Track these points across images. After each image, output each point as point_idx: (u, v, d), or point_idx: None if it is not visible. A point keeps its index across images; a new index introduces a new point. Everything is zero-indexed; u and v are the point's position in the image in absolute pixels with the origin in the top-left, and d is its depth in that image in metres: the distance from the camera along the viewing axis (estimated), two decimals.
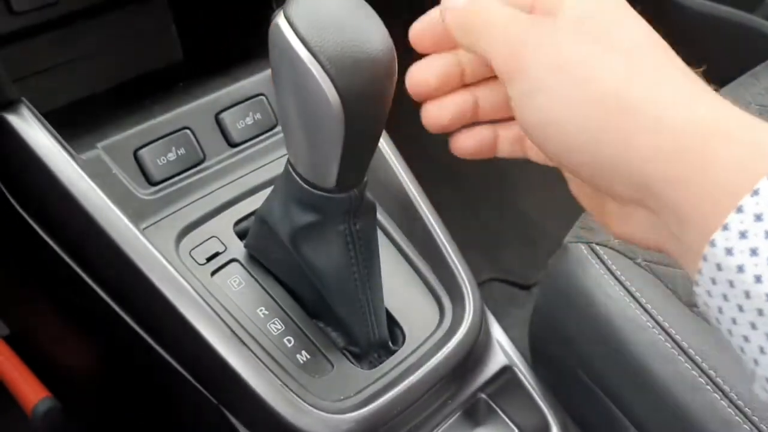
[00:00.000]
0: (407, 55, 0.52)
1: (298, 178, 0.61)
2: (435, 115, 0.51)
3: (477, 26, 0.45)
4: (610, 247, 0.80)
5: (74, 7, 0.84)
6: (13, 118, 0.67)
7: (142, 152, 0.73)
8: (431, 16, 0.49)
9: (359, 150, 0.58)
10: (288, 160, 0.62)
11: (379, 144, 0.81)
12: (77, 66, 0.89)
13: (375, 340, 0.70)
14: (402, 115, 2.02)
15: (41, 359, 0.94)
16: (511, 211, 1.71)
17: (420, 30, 0.50)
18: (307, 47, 0.51)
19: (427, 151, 1.82)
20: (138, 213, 0.71)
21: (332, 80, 0.51)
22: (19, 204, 0.73)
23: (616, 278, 0.76)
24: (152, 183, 0.73)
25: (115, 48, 0.92)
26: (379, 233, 0.76)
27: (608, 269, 0.77)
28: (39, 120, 0.68)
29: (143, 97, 0.81)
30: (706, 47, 1.47)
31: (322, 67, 0.51)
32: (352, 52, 0.51)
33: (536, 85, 0.41)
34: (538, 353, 0.88)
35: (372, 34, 0.53)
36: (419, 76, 0.50)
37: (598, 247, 0.80)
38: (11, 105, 0.67)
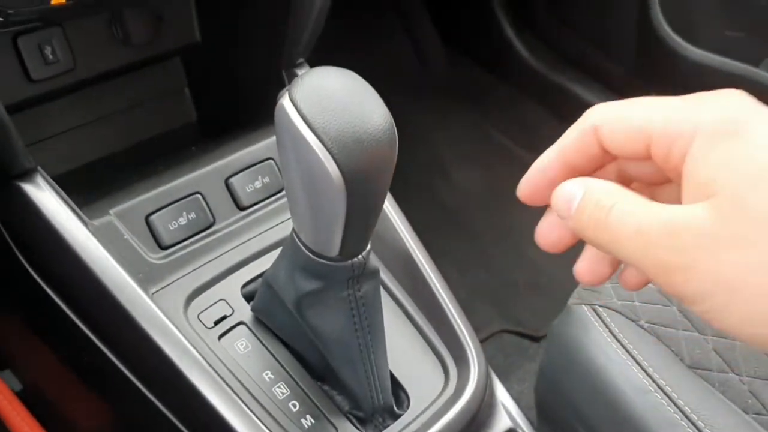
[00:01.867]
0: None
1: (302, 247, 0.62)
2: (552, 243, 0.46)
3: (608, 238, 0.38)
4: (613, 309, 0.80)
5: (90, 74, 0.87)
6: (27, 187, 0.69)
7: (154, 218, 0.75)
8: (549, 220, 0.45)
9: (361, 222, 0.59)
10: (293, 229, 0.63)
11: (384, 206, 0.83)
12: (91, 128, 0.92)
13: (379, 404, 0.70)
14: (412, 164, 2.06)
15: (52, 415, 0.95)
16: (523, 260, 1.71)
17: (544, 231, 0.45)
18: (311, 128, 0.53)
19: (437, 200, 1.85)
20: (148, 277, 0.72)
21: (335, 159, 0.53)
22: (32, 267, 0.75)
23: (618, 340, 0.77)
24: (163, 247, 0.75)
25: (130, 110, 0.95)
26: (384, 294, 0.77)
27: (610, 331, 0.78)
28: (53, 188, 0.70)
29: (156, 159, 0.84)
30: None
31: (325, 147, 0.53)
32: (353, 132, 0.53)
33: (723, 299, 0.35)
34: (543, 412, 0.88)
35: (373, 114, 0.55)
36: (548, 240, 0.46)
37: (600, 309, 0.80)
38: (27, 174, 0.70)
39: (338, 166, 0.53)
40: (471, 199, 1.86)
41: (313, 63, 0.90)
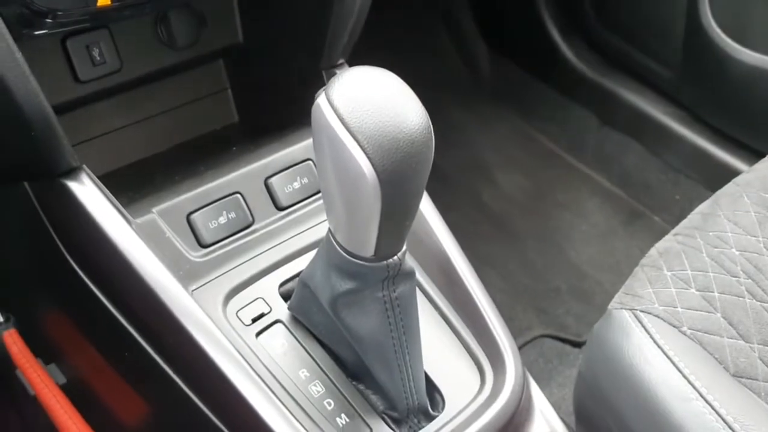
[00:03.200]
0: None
1: (338, 247, 0.63)
2: None
3: None
4: (655, 315, 0.79)
5: (136, 75, 0.89)
6: (73, 185, 0.71)
7: (195, 216, 0.76)
8: None
9: (396, 222, 0.59)
10: (329, 229, 0.64)
11: (421, 207, 0.83)
12: (136, 128, 0.94)
13: (414, 405, 0.70)
14: (455, 166, 2.06)
15: (94, 408, 0.97)
16: (565, 265, 1.69)
17: None
18: (347, 127, 0.53)
19: (479, 203, 1.84)
20: (189, 275, 0.73)
21: (370, 159, 0.53)
22: (77, 263, 0.77)
23: (659, 347, 0.75)
24: (203, 245, 0.76)
25: (173, 111, 0.97)
26: (420, 296, 0.77)
27: (651, 337, 0.76)
28: (98, 186, 0.72)
29: (197, 159, 0.85)
30: (765, 103, 1.45)
31: (360, 146, 0.53)
32: (389, 132, 0.53)
33: None
34: (582, 417, 0.86)
35: (409, 113, 0.55)
36: None
37: (642, 314, 0.79)
38: (72, 172, 0.71)
39: (373, 165, 0.53)
40: (514, 202, 1.84)
41: (356, 63, 0.90)
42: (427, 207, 0.85)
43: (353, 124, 0.53)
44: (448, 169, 1.91)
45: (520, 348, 1.56)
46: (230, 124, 1.01)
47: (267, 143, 0.86)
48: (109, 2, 0.64)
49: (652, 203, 1.79)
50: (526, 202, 1.84)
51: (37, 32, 0.63)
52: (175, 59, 0.92)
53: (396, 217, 0.58)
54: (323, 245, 0.66)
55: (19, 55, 0.61)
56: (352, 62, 0.90)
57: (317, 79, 0.89)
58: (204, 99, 1.00)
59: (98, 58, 0.83)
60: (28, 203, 0.76)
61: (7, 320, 0.99)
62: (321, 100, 0.55)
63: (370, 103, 0.54)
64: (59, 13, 0.63)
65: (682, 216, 0.95)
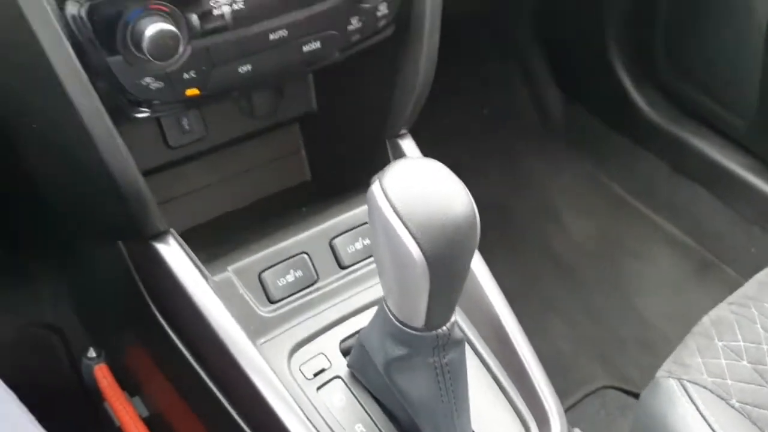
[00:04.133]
0: None
1: (390, 316, 0.68)
2: None
3: None
4: (702, 386, 0.80)
5: (219, 141, 0.98)
6: (161, 247, 0.79)
7: (266, 275, 0.83)
8: None
9: (444, 298, 0.65)
10: (383, 298, 0.69)
11: (474, 269, 0.88)
12: (216, 187, 1.02)
13: None
14: (523, 209, 2.07)
15: None
16: (632, 315, 1.69)
17: None
18: (398, 215, 0.59)
19: (546, 247, 1.86)
20: (257, 329, 0.81)
21: (419, 245, 0.59)
22: (159, 311, 0.85)
23: (705, 418, 0.77)
24: (272, 301, 0.83)
25: (251, 171, 1.05)
26: (470, 356, 0.81)
27: (697, 409, 0.78)
28: (182, 247, 0.80)
29: (270, 218, 0.93)
30: None
31: (410, 233, 0.59)
32: (437, 220, 0.59)
33: None
34: None
35: (455, 203, 0.60)
36: None
37: (689, 385, 0.81)
38: (160, 235, 0.80)
39: (422, 250, 0.59)
40: (581, 247, 1.85)
41: (431, 107, 0.96)
42: (480, 269, 0.89)
43: (404, 212, 0.59)
44: (516, 211, 1.94)
45: (582, 398, 1.56)
46: (303, 182, 1.09)
47: (333, 204, 0.92)
48: (197, 92, 0.72)
49: (725, 254, 1.77)
50: (594, 248, 1.85)
51: (134, 116, 0.72)
52: (255, 126, 1.00)
53: (443, 293, 0.64)
54: (379, 312, 0.71)
55: (119, 139, 0.70)
56: (429, 106, 0.95)
57: (381, 147, 0.95)
58: (280, 159, 1.08)
59: (187, 127, 0.92)
60: (122, 259, 0.86)
61: (99, 355, 1.09)
62: (375, 187, 0.61)
63: (419, 193, 0.59)
64: (154, 102, 0.71)
65: (757, 268, 0.96)
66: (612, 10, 1.89)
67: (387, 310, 0.68)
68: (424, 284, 0.61)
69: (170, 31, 0.65)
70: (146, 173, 0.78)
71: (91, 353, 1.08)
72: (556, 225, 1.89)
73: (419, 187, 0.60)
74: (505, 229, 1.94)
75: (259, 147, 1.05)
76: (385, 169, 0.62)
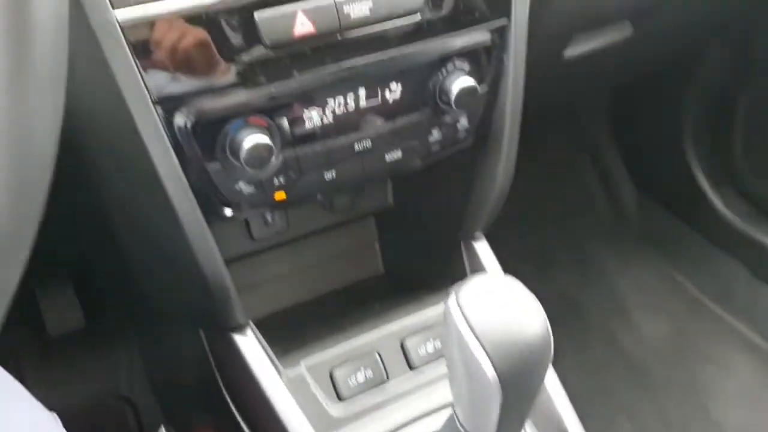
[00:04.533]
0: None
1: (459, 425, 0.68)
2: None
3: None
4: None
5: (299, 233, 1.02)
6: (239, 339, 0.83)
7: (337, 373, 0.85)
8: None
9: (515, 413, 0.65)
10: (453, 409, 0.70)
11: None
12: (291, 277, 1.06)
13: None
14: (593, 307, 2.03)
15: None
16: (707, 424, 1.62)
17: None
18: (473, 332, 0.60)
19: (617, 347, 1.81)
20: (326, 427, 0.82)
21: (492, 362, 0.60)
22: (230, 398, 0.88)
23: None
24: (341, 399, 0.85)
25: (326, 261, 1.09)
26: None
27: None
28: (259, 341, 0.83)
29: (343, 313, 0.95)
30: None
31: (484, 350, 0.60)
32: (512, 339, 0.60)
33: None
34: None
35: (530, 323, 0.61)
36: None
37: None
38: (240, 327, 0.83)
39: (495, 368, 0.60)
40: (653, 349, 1.80)
41: (505, 203, 0.98)
42: (550, 376, 0.89)
43: (479, 329, 0.60)
44: (585, 307, 1.92)
45: None
46: (376, 276, 1.11)
47: (405, 302, 0.94)
48: (284, 196, 0.76)
49: None
50: (666, 351, 1.79)
51: (224, 216, 0.77)
52: (333, 219, 1.04)
53: (514, 408, 0.64)
54: (448, 422, 0.72)
55: (210, 236, 0.75)
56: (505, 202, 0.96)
57: (455, 248, 0.97)
58: (354, 251, 1.11)
59: (270, 221, 0.97)
60: (200, 344, 0.89)
61: None
62: (452, 302, 0.63)
63: (495, 312, 0.61)
64: (244, 205, 0.76)
65: None
66: (689, 109, 1.89)
67: (456, 419, 0.69)
68: (496, 400, 0.62)
69: (266, 145, 0.69)
70: (226, 262, 0.82)
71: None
72: (627, 323, 1.85)
73: (495, 306, 0.61)
74: (573, 323, 1.91)
75: (335, 238, 1.08)
76: (461, 283, 0.63)
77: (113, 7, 0.62)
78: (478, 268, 0.95)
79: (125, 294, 1.29)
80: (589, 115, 2.09)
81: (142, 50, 0.64)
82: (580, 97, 1.94)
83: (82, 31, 0.62)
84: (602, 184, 2.13)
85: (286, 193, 0.76)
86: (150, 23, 0.64)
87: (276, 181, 0.75)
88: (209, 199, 0.74)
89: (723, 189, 1.90)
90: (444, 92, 0.79)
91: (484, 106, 0.84)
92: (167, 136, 0.68)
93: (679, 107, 1.90)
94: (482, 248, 0.96)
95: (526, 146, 0.94)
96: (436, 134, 0.83)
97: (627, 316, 1.87)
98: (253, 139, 0.69)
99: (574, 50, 1.13)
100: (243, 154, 0.69)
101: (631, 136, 2.08)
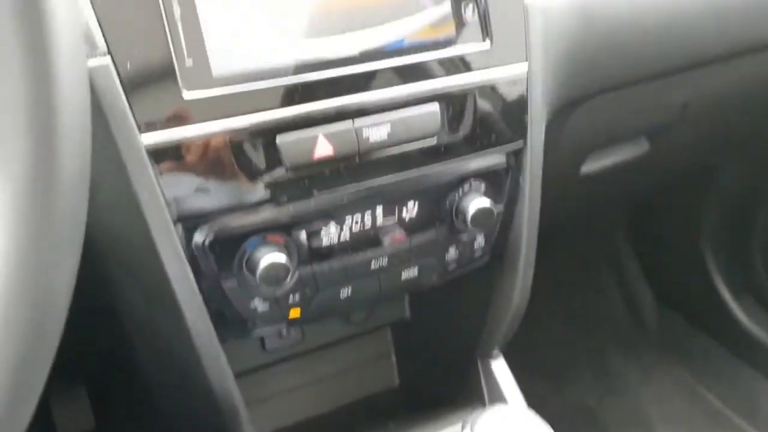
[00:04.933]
0: None
1: None
2: None
3: None
4: None
5: (314, 345, 1.01)
6: None
7: None
8: None
9: None
10: None
11: None
12: (303, 389, 1.04)
13: None
14: (613, 419, 1.97)
15: None
16: None
17: None
18: None
19: None
20: None
21: None
22: None
23: None
24: None
25: (340, 374, 1.07)
26: None
27: None
28: None
29: (354, 427, 0.93)
30: None
31: None
32: None
33: None
34: None
35: None
36: None
37: None
38: None
39: None
40: None
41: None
42: None
43: None
44: (605, 417, 1.86)
45: None
46: (391, 389, 1.09)
47: (419, 421, 0.92)
48: (299, 314, 0.76)
49: None
50: None
51: (238, 333, 0.76)
52: (348, 331, 1.03)
53: None
54: None
55: (221, 352, 0.74)
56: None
57: (472, 365, 0.96)
58: (369, 363, 1.09)
59: (285, 333, 0.96)
60: None
61: None
62: None
63: None
64: (258, 322, 0.76)
65: None
66: (708, 216, 1.89)
67: None
68: None
69: (282, 264, 0.70)
70: (238, 375, 0.81)
71: None
72: None
73: None
74: None
75: (350, 350, 1.07)
76: (476, 415, 0.62)
77: (140, 132, 0.64)
78: (494, 389, 0.93)
79: (134, 398, 1.27)
80: (607, 223, 2.10)
81: (166, 172, 0.66)
82: (597, 209, 1.95)
83: (107, 153, 0.64)
84: (621, 291, 2.10)
85: (301, 310, 0.76)
86: (175, 147, 0.65)
87: (291, 299, 0.75)
88: (223, 316, 0.74)
89: (744, 299, 1.88)
90: (460, 212, 0.79)
91: (500, 225, 0.85)
92: (184, 253, 0.69)
93: (698, 216, 1.90)
94: (499, 368, 0.94)
95: (542, 255, 0.94)
96: (452, 252, 0.83)
97: (648, 428, 1.81)
98: (270, 258, 0.69)
99: (590, 166, 1.15)
100: (259, 272, 0.69)
101: (649, 243, 2.08)
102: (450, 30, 0.75)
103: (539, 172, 0.86)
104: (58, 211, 0.36)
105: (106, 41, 0.62)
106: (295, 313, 0.76)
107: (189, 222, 0.68)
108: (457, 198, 0.80)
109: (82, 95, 0.40)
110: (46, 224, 0.35)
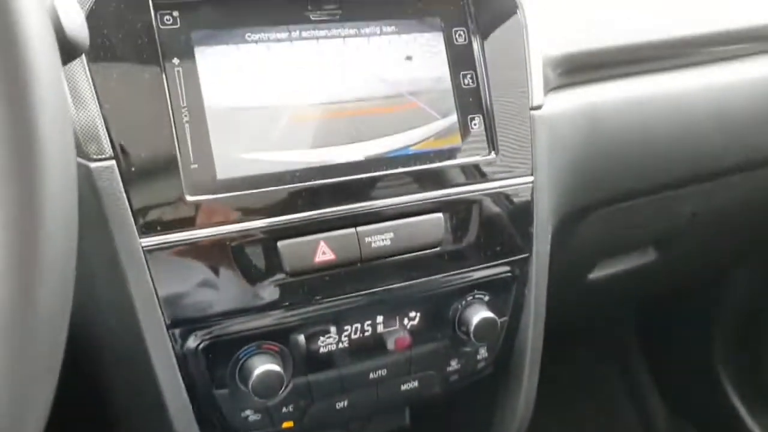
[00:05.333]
0: None
1: None
2: None
3: None
4: None
5: None
6: None
7: None
8: None
9: None
10: None
11: None
12: None
13: None
14: None
15: None
16: None
17: None
18: None
19: None
20: None
21: None
22: None
23: None
24: None
25: None
26: None
27: None
28: None
29: None
30: None
31: None
32: None
33: None
34: None
35: None
36: None
37: None
38: None
39: None
40: None
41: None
42: None
43: None
44: None
45: None
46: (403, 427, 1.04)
47: None
48: (292, 425, 0.73)
49: None
50: None
51: None
52: None
53: None
54: None
55: None
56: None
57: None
58: None
59: None
60: None
61: None
62: None
63: None
64: None
65: None
66: (719, 324, 1.85)
67: None
68: None
69: (277, 373, 0.67)
70: None
71: None
72: None
73: None
74: None
75: None
76: None
77: (140, 234, 0.63)
78: None
79: None
80: (616, 327, 2.06)
81: (163, 275, 0.65)
82: (605, 313, 1.92)
83: (104, 253, 0.63)
84: (630, 398, 2.04)
85: (294, 422, 0.73)
86: (174, 250, 0.65)
87: (285, 410, 0.72)
88: (212, 424, 0.71)
89: (757, 409, 1.81)
90: (463, 323, 0.77)
91: (504, 336, 0.83)
92: (176, 358, 0.67)
93: (708, 322, 1.86)
94: None
95: (549, 361, 0.92)
96: (454, 364, 0.80)
97: None
98: (264, 367, 0.67)
99: (598, 273, 1.13)
100: (252, 381, 0.67)
101: (659, 348, 2.03)
102: (456, 140, 0.75)
103: (545, 282, 0.84)
104: (34, 347, 0.34)
105: (111, 143, 0.62)
106: (288, 425, 0.73)
107: (183, 326, 0.67)
108: (460, 308, 0.78)
109: (70, 230, 0.37)
110: (20, 361, 0.33)
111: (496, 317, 0.78)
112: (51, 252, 0.33)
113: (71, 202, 0.35)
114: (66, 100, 0.36)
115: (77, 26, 0.45)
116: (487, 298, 0.79)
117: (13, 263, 0.31)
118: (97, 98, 0.62)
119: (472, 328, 0.76)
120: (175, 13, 0.65)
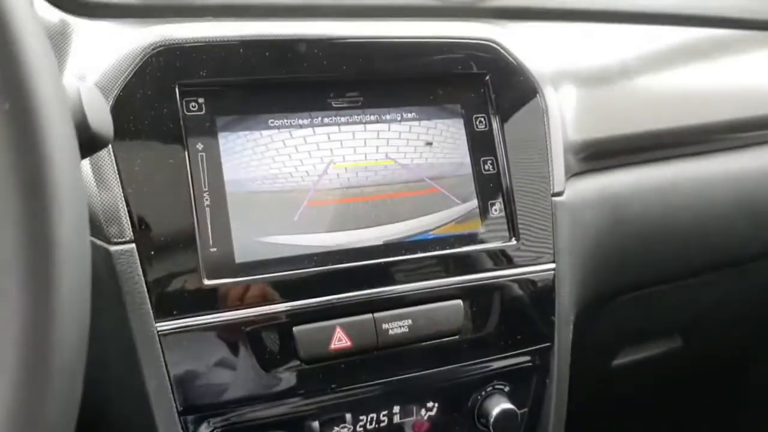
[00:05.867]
0: None
1: None
2: None
3: None
4: None
5: None
6: None
7: None
8: None
9: None
10: None
11: None
12: None
13: None
14: None
15: None
16: None
17: None
18: None
19: None
20: None
21: None
22: None
23: None
24: None
25: None
26: None
27: None
28: None
29: None
30: None
31: None
32: None
33: None
34: None
35: None
36: None
37: None
38: None
39: None
40: None
41: None
42: None
43: None
44: None
45: None
46: None
47: None
48: None
49: None
50: None
51: None
52: None
53: None
54: None
55: None
56: None
57: None
58: None
59: None
60: None
61: None
62: None
63: None
64: None
65: None
66: (746, 409, 1.79)
67: None
68: None
69: None
70: None
71: None
72: None
73: None
74: None
75: None
76: None
77: (155, 318, 0.63)
78: None
79: None
80: (639, 412, 2.00)
81: (177, 360, 0.64)
82: (628, 397, 1.87)
83: (119, 336, 0.63)
84: None
85: None
86: (189, 334, 0.64)
87: None
88: None
89: None
90: (483, 414, 0.75)
91: (524, 428, 0.80)
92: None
93: (737, 406, 1.80)
94: None
95: None
96: None
97: None
98: None
99: (622, 359, 1.10)
100: None
101: None
102: (476, 226, 0.75)
103: (567, 372, 0.82)
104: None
105: (132, 226, 0.62)
106: None
107: (195, 413, 0.65)
108: (479, 399, 0.76)
109: (81, 337, 0.36)
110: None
111: (516, 409, 0.75)
112: (61, 363, 0.32)
113: (84, 307, 0.34)
114: (84, 200, 0.36)
115: (102, 120, 0.45)
116: (507, 389, 0.77)
117: (22, 379, 0.31)
118: (121, 181, 0.62)
119: (491, 420, 0.74)
120: (201, 100, 0.67)
